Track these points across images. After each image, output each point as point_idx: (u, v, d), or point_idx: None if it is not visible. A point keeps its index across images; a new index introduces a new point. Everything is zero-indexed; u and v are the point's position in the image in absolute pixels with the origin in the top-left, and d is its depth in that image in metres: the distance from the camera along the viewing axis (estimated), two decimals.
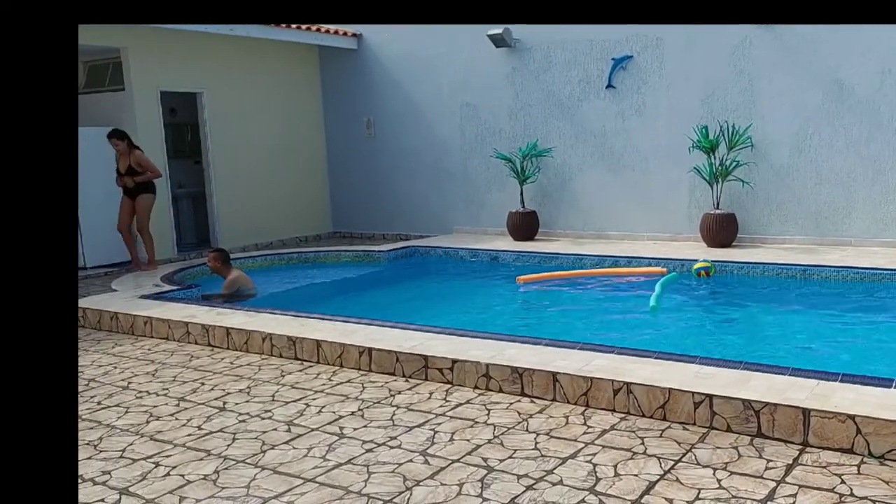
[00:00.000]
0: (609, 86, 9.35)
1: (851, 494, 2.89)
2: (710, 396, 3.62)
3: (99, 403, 4.59)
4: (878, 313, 5.85)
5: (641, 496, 3.00)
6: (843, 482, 2.99)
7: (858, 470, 3.10)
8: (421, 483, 3.25)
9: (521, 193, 9.84)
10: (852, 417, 3.23)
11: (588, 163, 9.65)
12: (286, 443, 3.80)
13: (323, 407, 4.31)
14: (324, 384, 4.74)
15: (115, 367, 5.39)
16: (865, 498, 2.86)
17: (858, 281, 6.45)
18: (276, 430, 4.00)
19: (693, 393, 3.67)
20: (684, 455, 3.35)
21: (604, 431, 3.69)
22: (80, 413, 4.42)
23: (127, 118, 9.90)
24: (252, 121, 11.21)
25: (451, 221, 11.02)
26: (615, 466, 3.29)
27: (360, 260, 9.46)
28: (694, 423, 3.67)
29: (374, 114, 11.64)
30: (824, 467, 3.14)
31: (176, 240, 10.54)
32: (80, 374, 5.24)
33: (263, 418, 4.19)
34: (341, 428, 3.97)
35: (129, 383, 4.99)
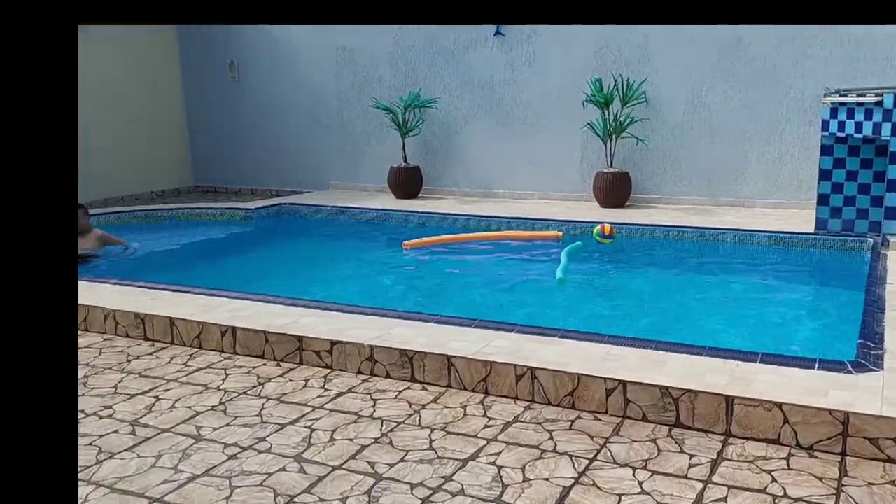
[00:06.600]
0: (497, 33, 8.96)
1: (785, 495, 2.68)
2: (624, 383, 3.34)
3: None
4: (783, 282, 5.82)
5: None
6: (774, 480, 2.78)
7: (788, 464, 2.90)
8: (295, 499, 2.79)
9: (404, 147, 9.36)
10: (779, 405, 3.03)
11: (475, 115, 9.27)
12: (128, 449, 3.23)
13: (177, 400, 3.74)
14: (178, 371, 4.15)
15: None
16: (800, 499, 2.65)
17: (756, 244, 6.44)
18: (116, 432, 3.40)
19: (605, 379, 3.38)
20: (599, 452, 3.06)
21: (507, 424, 3.35)
22: None
23: None
24: (92, 57, 10.04)
25: (327, 176, 10.39)
26: (523, 469, 2.95)
27: (223, 218, 8.69)
28: (606, 413, 3.39)
29: (239, 56, 10.73)
30: (752, 462, 2.93)
31: None
32: None
33: (102, 417, 3.57)
34: (198, 427, 3.43)
35: None
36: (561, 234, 7.15)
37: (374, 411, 3.54)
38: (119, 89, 10.38)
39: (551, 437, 3.20)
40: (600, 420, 3.35)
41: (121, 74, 10.39)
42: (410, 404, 3.61)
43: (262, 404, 3.67)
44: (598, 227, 6.69)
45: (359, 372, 4.01)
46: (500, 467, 2.97)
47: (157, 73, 10.92)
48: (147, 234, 8.02)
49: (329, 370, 4.08)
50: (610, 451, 3.07)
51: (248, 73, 10.73)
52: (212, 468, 3.04)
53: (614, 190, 8.13)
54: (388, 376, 3.93)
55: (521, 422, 3.37)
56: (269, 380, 3.98)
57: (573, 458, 3.02)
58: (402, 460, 3.06)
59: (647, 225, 7.05)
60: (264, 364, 4.21)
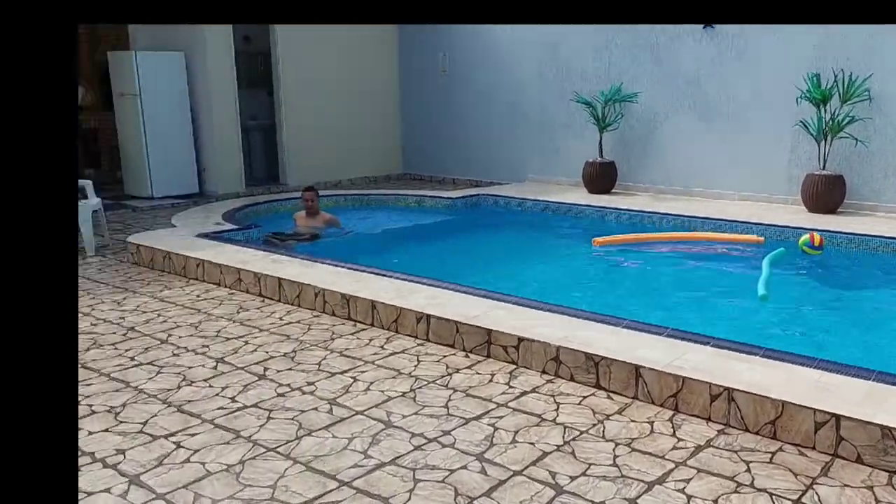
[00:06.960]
0: (707, 26, 8.27)
1: None
2: (838, 417, 2.87)
3: (132, 359, 4.14)
4: None
5: None
6: None
7: None
8: (475, 501, 2.65)
9: (600, 142, 8.95)
10: None
11: (677, 111, 8.66)
12: (325, 428, 3.26)
13: (371, 383, 3.74)
14: (375, 353, 4.17)
15: (159, 316, 4.95)
16: None
17: None
18: (316, 409, 3.46)
19: (815, 410, 2.93)
20: (804, 493, 2.64)
21: (698, 448, 3.00)
22: (110, 370, 3.98)
23: (196, 43, 9.40)
24: (324, 53, 10.56)
25: (525, 169, 10.22)
26: (715, 502, 2.61)
27: (424, 206, 8.81)
28: (813, 448, 2.94)
29: (450, 50, 10.80)
30: None
31: (245, 174, 10.10)
32: (121, 321, 4.82)
33: (305, 392, 3.65)
34: (389, 413, 3.40)
35: (170, 336, 4.54)
36: (763, 238, 6.48)
37: (557, 416, 3.33)
38: (343, 89, 10.82)
39: (748, 470, 2.82)
40: (806, 456, 2.91)
41: (346, 71, 10.82)
42: (594, 412, 3.35)
43: (449, 395, 3.58)
44: (807, 235, 5.95)
45: (543, 371, 3.81)
46: (689, 497, 2.65)
47: (378, 69, 11.27)
48: (357, 216, 8.30)
49: (514, 366, 3.91)
50: (817, 493, 2.64)
51: (456, 67, 10.78)
52: (398, 457, 2.98)
53: (826, 194, 7.25)
54: (572, 379, 3.70)
55: (713, 447, 3.01)
56: (458, 370, 3.88)
57: (773, 496, 2.63)
58: (583, 474, 2.83)
59: (863, 235, 6.19)
60: (454, 354, 4.12)
